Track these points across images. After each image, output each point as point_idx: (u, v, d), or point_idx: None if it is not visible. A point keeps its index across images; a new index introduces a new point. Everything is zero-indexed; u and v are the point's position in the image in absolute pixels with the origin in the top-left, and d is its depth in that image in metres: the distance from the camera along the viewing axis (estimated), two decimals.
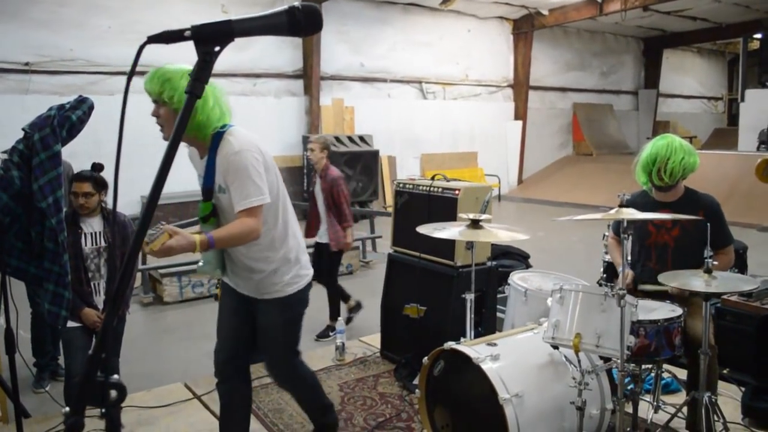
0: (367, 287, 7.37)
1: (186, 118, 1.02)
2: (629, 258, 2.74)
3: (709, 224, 3.04)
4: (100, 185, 3.50)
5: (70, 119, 2.35)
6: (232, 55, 11.96)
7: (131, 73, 1.06)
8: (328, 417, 3.28)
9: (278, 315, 2.94)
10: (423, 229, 3.31)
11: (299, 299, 2.97)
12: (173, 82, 2.48)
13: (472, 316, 3.43)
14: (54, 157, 2.39)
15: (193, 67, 1.04)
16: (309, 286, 3.02)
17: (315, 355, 4.67)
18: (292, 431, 3.56)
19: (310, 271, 3.03)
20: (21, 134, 2.55)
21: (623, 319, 2.59)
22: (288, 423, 3.65)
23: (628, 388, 3.21)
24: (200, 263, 2.84)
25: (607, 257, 4.28)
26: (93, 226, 3.57)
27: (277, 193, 2.79)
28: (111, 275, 3.76)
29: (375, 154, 13.12)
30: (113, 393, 0.99)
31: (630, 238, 2.79)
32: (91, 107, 2.43)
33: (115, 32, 10.60)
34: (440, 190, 4.10)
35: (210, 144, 2.61)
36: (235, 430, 3.10)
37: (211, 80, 2.48)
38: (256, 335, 3.02)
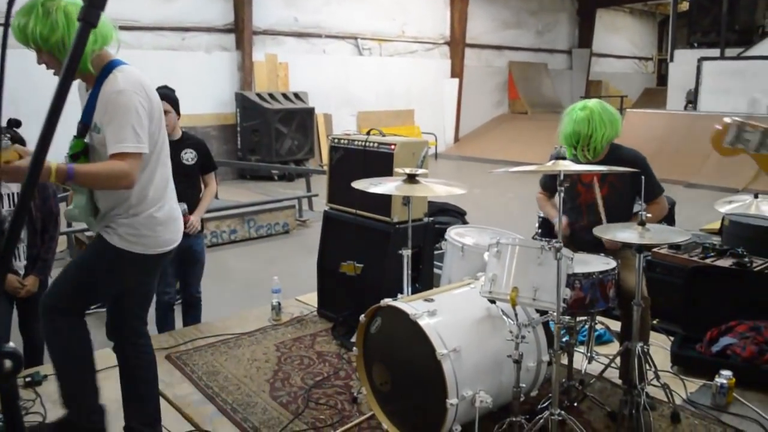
0: (303, 246, 7.28)
1: (80, 50, 0.88)
2: (559, 211, 2.74)
3: (637, 178, 3.07)
4: (17, 143, 3.27)
5: None
6: (159, 7, 11.42)
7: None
8: (88, 419, 2.72)
9: (96, 252, 2.64)
10: (358, 185, 3.22)
11: (129, 260, 2.59)
12: (32, 20, 2.26)
13: (409, 272, 3.38)
14: None
15: None
16: (150, 259, 2.63)
17: (250, 315, 4.57)
18: (227, 393, 3.47)
19: (165, 248, 2.67)
20: None
21: (560, 272, 2.58)
22: (223, 385, 3.56)
23: (564, 340, 3.26)
24: (70, 206, 2.62)
25: (541, 213, 4.30)
26: (10, 187, 3.35)
27: (157, 147, 2.58)
28: (32, 239, 3.55)
29: (310, 112, 12.87)
30: (7, 363, 0.88)
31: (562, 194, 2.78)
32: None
33: None
34: (376, 145, 4.00)
35: (97, 77, 2.41)
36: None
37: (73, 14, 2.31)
38: None
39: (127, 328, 2.83)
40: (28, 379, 3.47)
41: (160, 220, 2.61)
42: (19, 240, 3.53)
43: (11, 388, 0.91)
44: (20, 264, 3.58)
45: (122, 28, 10.48)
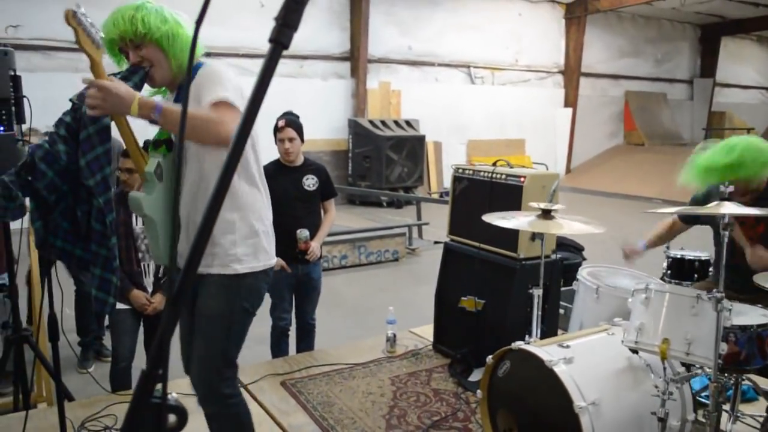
0: (413, 275, 7.18)
1: (272, 70, 0.81)
2: (721, 259, 2.47)
3: None
4: None
5: None
6: None
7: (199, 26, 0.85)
8: None
9: (217, 299, 2.38)
10: (489, 218, 3.07)
11: (250, 285, 2.42)
12: (141, 11, 2.22)
13: (539, 313, 3.19)
14: (103, 131, 2.22)
15: (280, 11, 0.82)
16: (265, 276, 2.48)
17: (365, 346, 4.49)
18: (343, 426, 3.38)
19: (273, 260, 2.52)
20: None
21: (719, 325, 2.32)
22: (338, 418, 3.47)
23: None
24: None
25: (673, 252, 4.01)
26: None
27: (254, 144, 2.45)
28: None
29: (421, 139, 12.86)
30: (171, 418, 0.79)
31: (724, 237, 2.52)
32: (144, 77, 2.24)
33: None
34: (503, 176, 3.84)
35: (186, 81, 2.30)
36: None
37: (176, 15, 2.28)
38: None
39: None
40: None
41: (264, 231, 2.50)
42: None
43: None
44: (148, 280, 3.66)
45: (245, 55, 10.95)
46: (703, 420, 2.56)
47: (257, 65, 11.29)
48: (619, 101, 18.48)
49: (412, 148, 12.61)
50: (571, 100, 16.71)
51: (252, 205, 2.42)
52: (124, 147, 2.48)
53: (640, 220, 10.42)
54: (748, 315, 2.84)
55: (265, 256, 2.46)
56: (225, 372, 2.46)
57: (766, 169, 3.07)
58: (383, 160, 12.10)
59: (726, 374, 2.89)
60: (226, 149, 0.84)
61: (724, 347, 2.53)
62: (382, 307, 4.49)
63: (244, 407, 2.57)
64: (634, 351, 2.64)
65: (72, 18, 2.06)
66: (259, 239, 2.43)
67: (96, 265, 2.36)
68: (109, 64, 2.18)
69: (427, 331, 4.55)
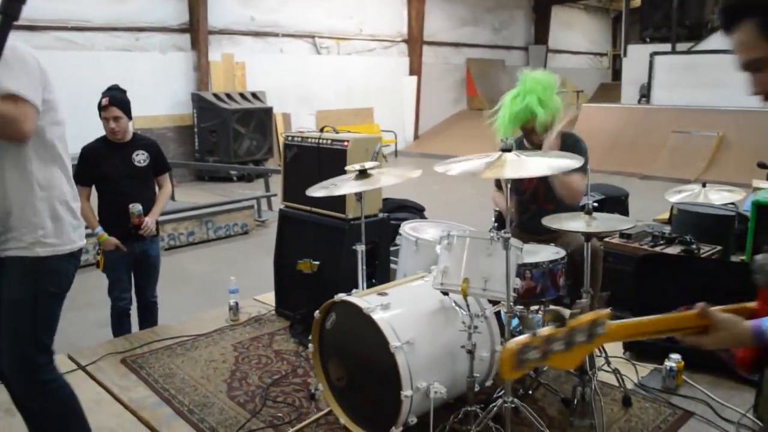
0: (262, 246, 7.23)
1: (3, 40, 0.88)
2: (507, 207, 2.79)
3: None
4: None
5: None
6: (112, 7, 11.22)
7: None
8: None
9: (19, 283, 2.34)
10: (313, 191, 3.22)
11: (54, 268, 2.38)
12: None
13: (364, 267, 3.39)
14: None
15: None
16: (71, 258, 2.44)
17: (207, 317, 4.53)
18: (184, 395, 3.44)
19: (80, 242, 2.48)
20: None
21: (509, 262, 2.62)
22: (179, 387, 3.52)
23: (518, 330, 3.31)
24: None
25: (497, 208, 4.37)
26: None
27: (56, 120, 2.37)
28: None
29: (268, 111, 12.79)
30: None
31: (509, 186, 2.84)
32: None
33: None
34: (329, 142, 4.01)
35: None
36: None
37: None
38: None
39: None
40: None
41: (69, 210, 2.45)
42: None
43: None
44: None
45: (73, 28, 10.35)
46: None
47: (89, 39, 10.61)
48: (461, 68, 19.27)
49: (259, 121, 12.51)
50: (415, 69, 17.22)
51: (52, 185, 2.36)
52: None
53: (481, 179, 11.07)
54: (541, 254, 3.20)
55: (69, 239, 2.42)
56: (39, 358, 2.41)
57: (549, 108, 3.44)
58: (230, 134, 11.93)
59: (527, 306, 3.26)
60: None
61: (519, 282, 2.86)
62: (228, 280, 4.54)
63: (67, 391, 2.53)
64: (445, 293, 2.90)
65: None
66: (62, 221, 2.39)
67: None
68: None
69: (270, 298, 4.67)
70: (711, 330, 1.43)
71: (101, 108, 3.85)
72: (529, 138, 3.63)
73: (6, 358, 2.40)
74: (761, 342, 1.42)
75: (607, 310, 1.37)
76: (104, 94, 3.88)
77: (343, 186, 3.16)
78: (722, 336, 1.44)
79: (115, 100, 3.86)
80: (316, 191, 3.20)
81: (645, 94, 15.24)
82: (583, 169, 3.53)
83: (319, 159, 4.02)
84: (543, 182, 3.56)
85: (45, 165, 2.34)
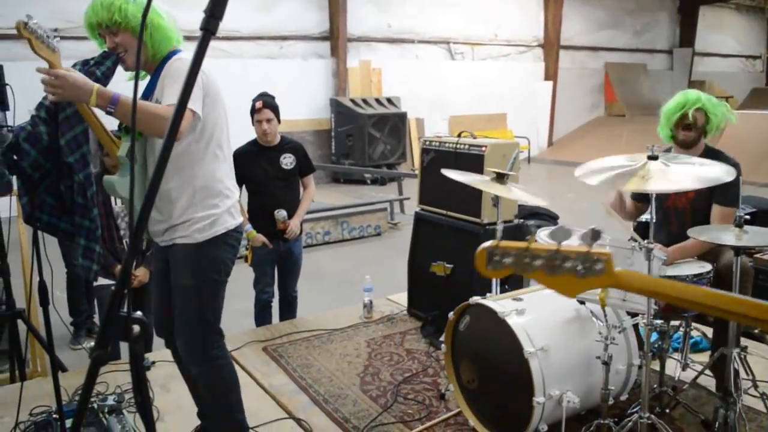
0: (394, 248, 7.40)
1: (202, 55, 1.01)
2: (651, 217, 2.70)
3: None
4: None
5: (94, 74, 2.37)
6: (258, 18, 11.91)
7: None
8: None
9: (183, 268, 2.57)
10: (449, 173, 3.28)
11: (212, 252, 2.58)
12: (116, 1, 2.38)
13: None
14: (79, 113, 2.41)
15: (208, 4, 1.02)
16: (227, 238, 2.63)
17: (343, 313, 4.72)
18: (320, 385, 3.61)
19: (237, 220, 2.68)
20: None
21: (650, 273, 2.55)
22: (316, 377, 3.71)
23: (656, 345, 3.20)
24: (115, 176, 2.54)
25: (641, 218, 4.20)
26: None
27: (215, 121, 2.56)
28: None
29: (403, 116, 13.04)
30: (136, 328, 1.01)
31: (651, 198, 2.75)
32: (116, 63, 2.43)
33: None
34: (467, 147, 4.07)
35: (158, 66, 2.50)
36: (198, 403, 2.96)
37: (154, 5, 2.47)
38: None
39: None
40: None
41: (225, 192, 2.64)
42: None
43: (138, 349, 1.05)
44: None
45: (224, 38, 11.04)
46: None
47: (238, 47, 11.26)
48: (599, 73, 18.66)
49: (394, 126, 12.78)
50: (551, 74, 16.89)
51: (213, 175, 2.57)
52: None
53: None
54: (686, 266, 3.08)
55: (223, 222, 2.60)
56: (209, 336, 2.65)
57: (716, 116, 3.30)
58: (366, 138, 12.28)
59: (667, 321, 3.14)
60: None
61: None
62: (362, 278, 4.71)
63: (230, 368, 2.77)
64: (581, 302, 2.87)
65: (24, 29, 2.20)
66: (218, 209, 2.59)
67: (80, 235, 2.57)
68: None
69: (403, 298, 4.79)
70: None
71: (255, 111, 4.12)
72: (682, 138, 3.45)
73: (178, 336, 2.67)
74: None
75: (607, 250, 1.21)
76: (257, 99, 4.15)
77: (478, 180, 3.20)
78: None
79: (268, 103, 4.12)
80: (454, 175, 3.27)
81: None
82: (735, 203, 3.34)
83: (456, 163, 4.07)
84: (694, 202, 3.38)
85: (207, 153, 2.55)
